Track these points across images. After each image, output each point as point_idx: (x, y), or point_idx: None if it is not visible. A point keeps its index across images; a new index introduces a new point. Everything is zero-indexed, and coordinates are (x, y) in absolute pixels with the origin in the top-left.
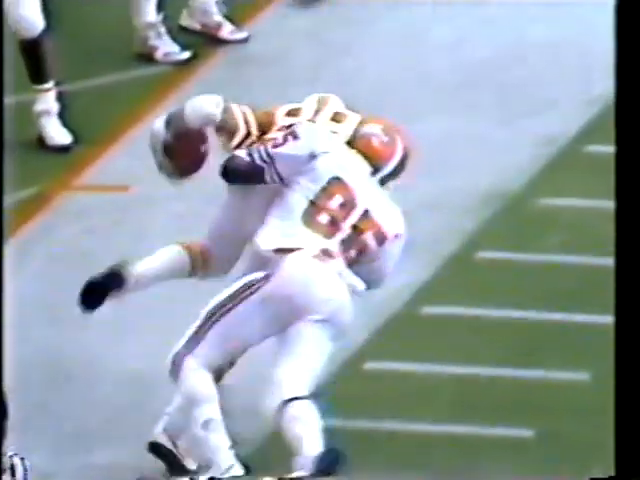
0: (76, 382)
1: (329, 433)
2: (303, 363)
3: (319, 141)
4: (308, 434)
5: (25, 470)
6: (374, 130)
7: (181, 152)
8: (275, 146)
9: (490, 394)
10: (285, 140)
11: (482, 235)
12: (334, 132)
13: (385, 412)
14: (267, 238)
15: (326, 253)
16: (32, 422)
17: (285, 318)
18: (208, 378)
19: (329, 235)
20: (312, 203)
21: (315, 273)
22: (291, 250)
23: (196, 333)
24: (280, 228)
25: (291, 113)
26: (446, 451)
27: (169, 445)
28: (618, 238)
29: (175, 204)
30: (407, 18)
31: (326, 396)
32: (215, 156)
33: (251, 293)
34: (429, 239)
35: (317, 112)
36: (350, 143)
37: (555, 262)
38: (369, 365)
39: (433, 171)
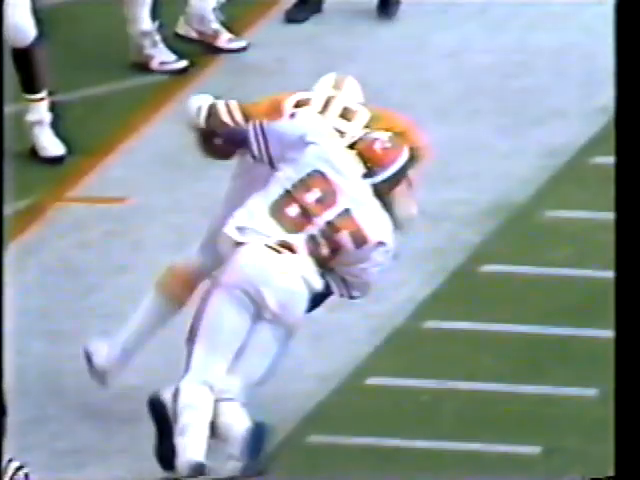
0: (71, 396)
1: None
2: (240, 366)
3: (313, 129)
4: (234, 421)
5: None
6: (380, 135)
7: (200, 139)
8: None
9: (495, 410)
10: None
11: (486, 248)
12: (342, 132)
13: (387, 428)
14: (233, 221)
15: (284, 245)
16: (26, 437)
17: (248, 304)
18: (196, 389)
19: (295, 228)
20: (288, 193)
21: (266, 262)
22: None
23: (186, 362)
24: (249, 213)
25: (300, 104)
26: (450, 469)
27: (169, 410)
28: (618, 251)
29: (172, 216)
30: (408, 25)
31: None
32: (212, 166)
33: (211, 292)
34: (431, 252)
35: (326, 105)
36: (353, 144)
37: (561, 276)
38: (371, 381)
39: (434, 181)
